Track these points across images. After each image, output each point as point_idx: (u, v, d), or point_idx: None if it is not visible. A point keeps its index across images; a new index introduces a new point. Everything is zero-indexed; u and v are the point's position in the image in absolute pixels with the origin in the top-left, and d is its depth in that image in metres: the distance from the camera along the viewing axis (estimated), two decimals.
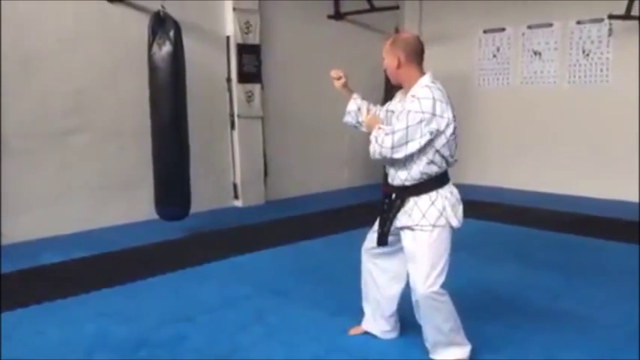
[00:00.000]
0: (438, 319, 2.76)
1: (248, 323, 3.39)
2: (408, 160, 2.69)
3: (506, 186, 7.58)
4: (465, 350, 2.85)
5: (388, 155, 2.68)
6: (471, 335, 2.88)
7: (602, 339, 3.14)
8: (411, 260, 2.75)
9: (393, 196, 2.81)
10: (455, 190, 2.82)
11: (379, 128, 2.76)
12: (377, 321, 3.13)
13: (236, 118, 6.68)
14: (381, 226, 2.85)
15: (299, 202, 7.00)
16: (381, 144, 2.69)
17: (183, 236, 5.40)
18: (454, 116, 2.71)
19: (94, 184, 5.65)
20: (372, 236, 2.98)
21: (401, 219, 2.77)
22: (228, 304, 3.70)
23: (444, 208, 2.71)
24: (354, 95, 3.06)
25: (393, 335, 3.14)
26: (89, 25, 5.54)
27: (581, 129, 7.07)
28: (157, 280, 4.21)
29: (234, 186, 6.82)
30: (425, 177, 2.72)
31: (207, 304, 3.73)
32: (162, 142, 5.13)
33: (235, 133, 6.72)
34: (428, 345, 2.88)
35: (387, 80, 7.69)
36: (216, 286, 4.08)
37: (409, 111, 2.63)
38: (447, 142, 2.70)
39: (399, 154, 2.66)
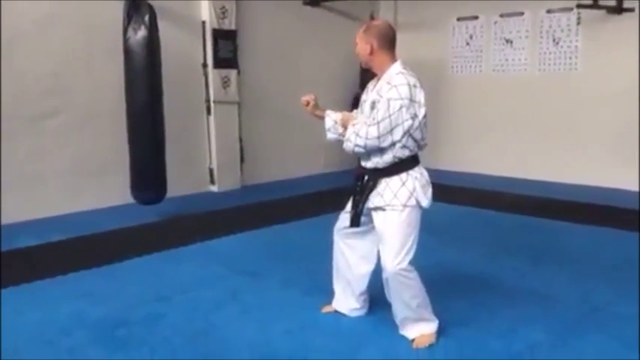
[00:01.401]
0: (407, 295, 2.88)
1: (223, 302, 3.49)
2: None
3: (478, 171, 7.75)
4: (433, 325, 2.98)
5: (375, 145, 2.76)
6: (438, 311, 3.01)
7: (562, 316, 3.29)
8: (382, 239, 2.87)
9: (365, 177, 2.92)
10: (424, 172, 2.94)
11: (354, 124, 2.84)
12: (347, 299, 3.24)
13: (212, 104, 6.71)
14: (353, 207, 2.95)
15: (275, 187, 7.08)
16: (365, 136, 2.76)
17: (159, 220, 5.45)
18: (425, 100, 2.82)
19: (69, 168, 5.66)
20: (344, 217, 3.08)
21: (373, 200, 2.87)
22: (204, 285, 3.79)
23: (414, 189, 2.82)
24: (327, 112, 3.06)
25: (362, 313, 3.26)
26: (64, 8, 5.52)
27: (550, 115, 7.25)
28: (133, 263, 4.28)
29: (210, 171, 6.88)
30: (397, 160, 2.82)
31: (183, 284, 3.81)
32: (137, 127, 5.16)
33: (211, 119, 6.76)
34: (397, 321, 3.00)
35: (363, 68, 7.78)
36: (192, 267, 4.17)
37: (389, 99, 2.72)
38: (420, 125, 2.81)
39: (386, 142, 2.76)
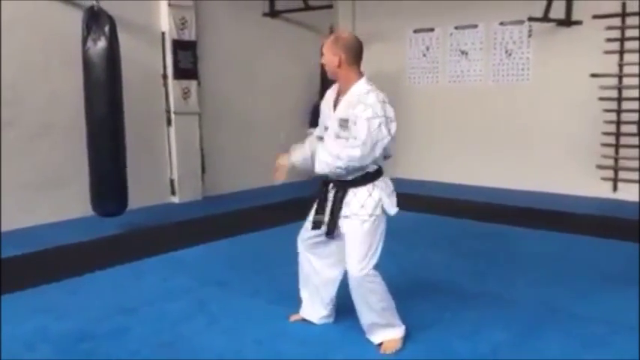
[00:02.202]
0: (372, 300, 2.94)
1: (190, 313, 3.47)
2: None
3: (435, 179, 7.91)
4: (400, 330, 3.04)
5: (357, 165, 2.82)
6: (403, 315, 3.08)
7: (522, 317, 3.40)
8: (349, 246, 2.92)
9: (331, 186, 2.97)
10: (389, 181, 3.01)
11: (324, 146, 2.88)
12: (315, 307, 3.27)
13: (172, 115, 6.67)
14: (330, 219, 2.94)
15: (236, 198, 7.07)
16: (347, 158, 2.79)
17: (120, 232, 5.38)
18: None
19: (25, 180, 5.52)
20: (308, 226, 3.12)
21: (343, 209, 2.93)
22: (170, 296, 3.76)
23: (380, 199, 2.90)
24: (291, 159, 3.08)
25: (330, 320, 3.30)
26: (20, 18, 5.41)
27: (505, 125, 7.48)
28: (95, 276, 4.20)
29: (171, 182, 6.82)
30: (364, 172, 2.90)
31: (148, 297, 3.77)
32: (97, 138, 5.08)
33: (172, 130, 6.72)
34: (364, 327, 3.05)
35: (323, 75, 7.82)
36: (156, 279, 4.13)
37: (368, 119, 2.77)
38: (391, 139, 2.89)
39: (368, 161, 2.82)
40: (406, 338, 3.06)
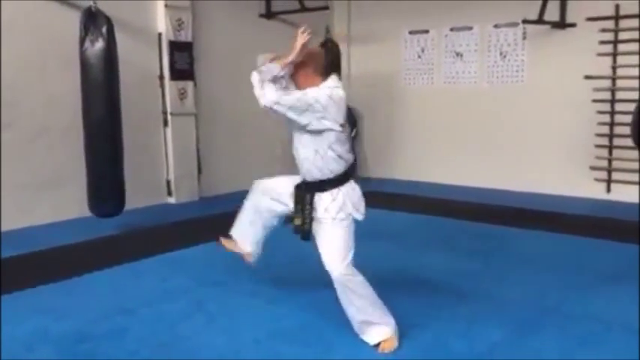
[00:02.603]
0: (357, 298, 3.00)
1: (189, 313, 3.50)
2: (315, 157, 2.98)
3: (429, 180, 7.95)
4: (391, 328, 3.07)
5: (281, 112, 2.92)
6: (400, 314, 3.11)
7: (517, 316, 3.44)
8: (321, 249, 3.03)
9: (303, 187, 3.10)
10: (357, 187, 3.13)
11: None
12: (255, 244, 3.47)
13: (169, 115, 6.69)
14: (302, 223, 3.07)
15: (233, 198, 7.02)
16: (279, 99, 2.91)
17: (118, 233, 5.39)
18: (345, 122, 3.02)
19: (22, 181, 5.53)
20: (279, 181, 3.35)
21: (313, 212, 3.06)
22: (168, 297, 3.78)
23: (343, 203, 3.01)
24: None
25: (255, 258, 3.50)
26: (17, 19, 5.42)
27: (499, 126, 7.52)
28: (93, 277, 4.22)
29: (168, 183, 6.83)
30: (331, 175, 3.01)
31: (146, 297, 3.79)
32: (95, 139, 5.09)
33: (168, 130, 6.73)
34: (356, 328, 3.09)
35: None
36: (154, 280, 4.14)
37: (306, 93, 2.92)
38: (338, 140, 2.99)
39: (263, 102, 2.96)
40: (403, 337, 3.10)
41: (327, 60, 3.09)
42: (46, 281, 4.05)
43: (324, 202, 3.02)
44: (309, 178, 3.08)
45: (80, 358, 2.96)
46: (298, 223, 3.09)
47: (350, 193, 3.05)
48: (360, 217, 3.08)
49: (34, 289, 3.92)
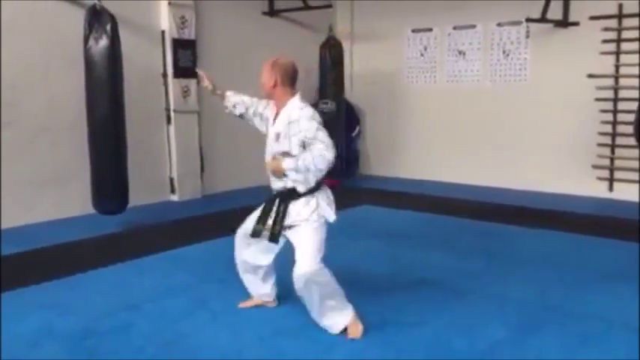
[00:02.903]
0: (320, 287, 3.09)
1: (192, 310, 3.52)
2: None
3: (432, 179, 7.96)
4: (351, 310, 3.18)
5: (326, 167, 3.05)
6: (402, 312, 3.13)
7: (519, 314, 3.46)
8: (298, 249, 3.13)
9: (277, 200, 3.18)
10: (329, 191, 3.25)
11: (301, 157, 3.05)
12: (266, 284, 3.49)
13: (172, 113, 6.71)
14: (273, 229, 3.17)
15: (235, 196, 7.10)
16: (325, 158, 3.01)
17: (121, 230, 5.41)
18: None
19: (26, 178, 5.55)
20: (249, 225, 3.32)
21: (286, 220, 3.16)
22: (171, 293, 3.80)
23: (317, 205, 3.12)
24: (227, 93, 3.59)
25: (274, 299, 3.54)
26: (20, 18, 5.44)
27: (501, 124, 7.53)
28: (97, 273, 4.24)
29: (171, 180, 6.85)
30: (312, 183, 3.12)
31: (150, 294, 3.81)
32: (99, 137, 5.12)
33: (171, 128, 6.75)
34: (320, 318, 3.18)
35: (322, 77, 7.89)
36: (158, 277, 4.17)
37: (317, 128, 3.05)
38: None
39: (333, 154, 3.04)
40: (405, 334, 3.12)
41: (291, 69, 3.23)
42: (50, 278, 4.08)
43: (297, 207, 3.13)
44: (281, 185, 3.16)
45: (85, 354, 2.98)
46: (262, 230, 3.21)
47: (323, 197, 3.17)
48: (332, 219, 3.17)
49: (38, 286, 3.95)
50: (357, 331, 3.15)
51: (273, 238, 3.19)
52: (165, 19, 6.58)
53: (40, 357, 2.95)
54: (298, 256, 3.11)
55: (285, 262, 3.56)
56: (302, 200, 3.13)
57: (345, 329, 3.16)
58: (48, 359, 2.93)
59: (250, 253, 3.39)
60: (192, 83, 6.81)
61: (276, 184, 3.21)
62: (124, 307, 3.57)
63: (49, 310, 3.50)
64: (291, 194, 3.13)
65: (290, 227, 3.17)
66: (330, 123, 7.42)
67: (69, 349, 3.03)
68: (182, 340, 3.14)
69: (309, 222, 3.11)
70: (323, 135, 3.05)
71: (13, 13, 5.37)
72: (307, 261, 3.07)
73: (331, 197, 3.24)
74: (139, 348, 3.03)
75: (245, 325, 3.30)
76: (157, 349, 3.02)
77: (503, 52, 7.48)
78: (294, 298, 3.44)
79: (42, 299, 3.70)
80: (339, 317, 3.16)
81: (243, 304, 3.57)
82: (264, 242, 3.28)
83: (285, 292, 3.61)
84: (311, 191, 3.13)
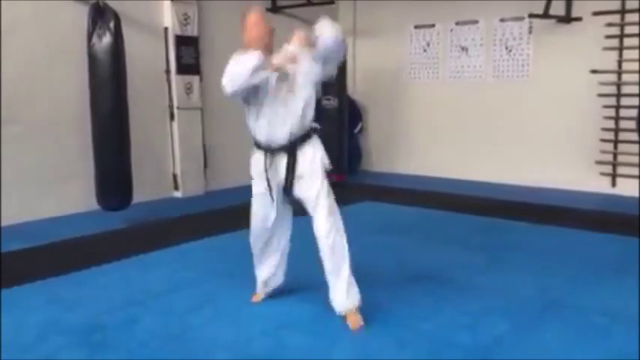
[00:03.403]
0: (346, 255, 3.19)
1: (198, 305, 3.53)
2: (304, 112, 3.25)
3: (434, 175, 7.97)
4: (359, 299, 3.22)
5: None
6: (405, 306, 3.15)
7: (522, 309, 3.47)
8: (314, 209, 3.21)
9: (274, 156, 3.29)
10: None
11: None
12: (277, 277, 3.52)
13: (175, 110, 6.73)
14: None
15: (238, 193, 7.09)
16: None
17: (125, 226, 5.44)
18: None
19: (30, 175, 5.59)
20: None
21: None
22: (177, 289, 3.82)
23: (321, 156, 3.31)
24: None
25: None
26: (24, 15, 5.46)
27: (504, 120, 7.54)
28: (102, 269, 4.26)
29: (174, 177, 6.88)
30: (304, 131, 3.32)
31: (155, 289, 3.83)
32: (103, 133, 5.16)
33: (175, 125, 6.78)
34: (340, 286, 3.20)
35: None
36: (163, 272, 4.19)
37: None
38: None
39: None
40: (409, 329, 3.14)
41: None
42: (56, 274, 4.10)
43: (307, 155, 3.19)
44: (288, 140, 3.18)
45: (92, 348, 3.00)
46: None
47: (319, 146, 3.27)
48: (329, 167, 3.25)
49: (44, 281, 3.97)
50: (357, 321, 3.15)
51: (287, 191, 3.23)
52: (168, 16, 6.60)
53: (46, 351, 2.97)
54: (317, 217, 3.15)
55: (293, 256, 3.61)
56: (309, 146, 3.21)
57: (345, 318, 3.18)
58: (54, 354, 2.95)
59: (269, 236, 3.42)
60: (195, 80, 6.83)
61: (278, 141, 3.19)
62: (129, 302, 3.60)
63: (55, 306, 3.53)
64: (297, 142, 3.18)
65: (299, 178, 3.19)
66: (332, 119, 7.51)
67: (75, 344, 3.05)
68: (187, 334, 3.16)
69: (324, 168, 3.19)
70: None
71: (17, 10, 5.39)
72: (327, 220, 3.13)
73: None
74: (145, 342, 3.06)
75: (250, 320, 3.32)
76: (163, 344, 3.05)
77: (506, 47, 7.48)
78: (298, 292, 3.47)
79: (48, 295, 3.73)
80: (355, 293, 3.18)
81: (255, 299, 3.57)
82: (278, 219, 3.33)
83: (290, 286, 3.64)
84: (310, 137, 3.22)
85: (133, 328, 3.23)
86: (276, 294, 3.60)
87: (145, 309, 3.49)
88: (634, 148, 6.35)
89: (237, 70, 3.02)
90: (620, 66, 6.61)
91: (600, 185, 6.83)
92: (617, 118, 6.68)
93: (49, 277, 4.04)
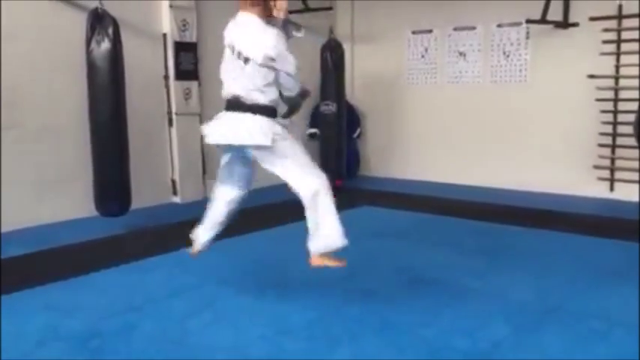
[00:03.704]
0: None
1: (196, 310, 3.54)
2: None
3: (432, 180, 7.97)
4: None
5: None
6: (404, 311, 3.15)
7: (521, 314, 3.47)
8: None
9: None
10: None
11: None
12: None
13: (174, 116, 6.74)
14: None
15: None
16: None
17: (123, 232, 5.44)
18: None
19: (28, 180, 5.58)
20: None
21: None
22: (175, 294, 3.83)
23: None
24: None
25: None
26: (23, 21, 5.47)
27: (502, 125, 7.55)
28: (100, 275, 4.26)
29: (173, 182, 6.88)
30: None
31: (153, 295, 3.84)
32: (101, 139, 5.15)
33: (173, 130, 6.78)
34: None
35: (323, 79, 7.88)
36: (162, 278, 4.19)
37: None
38: None
39: None
40: (407, 334, 3.14)
41: None
42: (54, 279, 4.09)
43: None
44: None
45: (90, 354, 3.00)
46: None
47: None
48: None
49: (42, 287, 3.96)
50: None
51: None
52: (166, 22, 6.60)
53: (45, 357, 2.97)
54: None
55: (291, 261, 3.61)
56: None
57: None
58: (54, 358, 2.95)
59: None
60: (193, 86, 6.84)
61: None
62: (127, 308, 3.60)
63: (54, 312, 3.53)
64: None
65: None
66: (331, 124, 7.52)
67: (74, 350, 3.05)
68: (186, 339, 3.16)
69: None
70: None
71: (16, 16, 5.40)
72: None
73: None
74: (144, 348, 3.06)
75: (248, 325, 3.32)
76: (162, 349, 3.05)
77: (504, 53, 7.50)
78: (297, 297, 3.47)
79: (46, 301, 3.72)
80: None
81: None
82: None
83: (288, 290, 3.65)
84: None
85: (132, 334, 3.23)
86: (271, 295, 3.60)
87: (143, 314, 3.49)
88: (632, 153, 6.36)
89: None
90: (617, 71, 6.63)
91: (598, 190, 6.84)
92: (614, 123, 6.69)
93: (48, 282, 4.03)
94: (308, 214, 3.26)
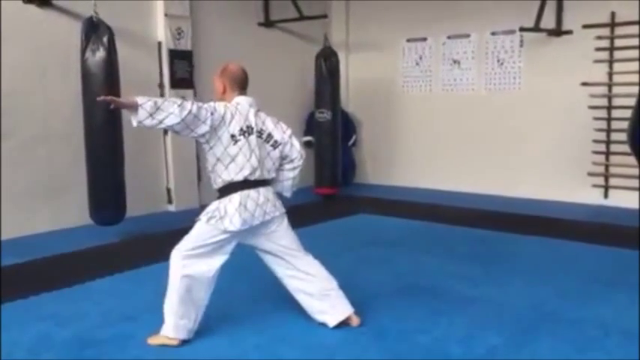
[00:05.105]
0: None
1: None
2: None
3: (427, 187, 8.00)
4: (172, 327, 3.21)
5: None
6: (399, 319, 3.15)
7: (515, 321, 3.48)
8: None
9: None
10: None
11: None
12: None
13: None
14: None
15: None
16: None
17: (118, 241, 5.42)
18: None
19: (22, 189, 5.57)
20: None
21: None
22: None
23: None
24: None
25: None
26: (16, 29, 5.47)
27: (496, 132, 7.59)
28: (95, 284, 4.25)
29: (168, 191, 6.88)
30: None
31: (148, 304, 3.79)
32: (96, 148, 5.15)
33: (168, 139, 6.78)
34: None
35: (318, 87, 7.90)
36: (157, 287, 4.10)
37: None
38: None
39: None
40: (403, 341, 3.13)
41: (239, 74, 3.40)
42: (49, 289, 4.08)
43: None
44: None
45: None
46: None
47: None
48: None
49: (37, 297, 3.94)
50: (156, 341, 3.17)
51: None
52: (161, 31, 6.63)
53: None
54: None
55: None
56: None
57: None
58: None
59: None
60: (188, 94, 6.83)
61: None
62: (122, 317, 3.58)
63: (48, 321, 3.51)
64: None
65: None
66: (326, 132, 7.53)
67: (68, 359, 3.03)
68: (181, 348, 3.15)
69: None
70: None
71: (11, 24, 5.40)
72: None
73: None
74: (138, 357, 3.04)
75: (243, 334, 3.31)
76: (156, 358, 3.03)
77: (498, 60, 7.54)
78: (292, 306, 3.46)
79: (40, 310, 3.70)
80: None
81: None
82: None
83: (282, 300, 3.63)
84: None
85: (127, 343, 3.21)
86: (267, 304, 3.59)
87: (137, 324, 3.47)
88: (626, 159, 6.38)
89: None
90: (610, 78, 6.67)
91: (592, 197, 6.87)
92: (608, 130, 6.73)
93: (42, 292, 4.02)
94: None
